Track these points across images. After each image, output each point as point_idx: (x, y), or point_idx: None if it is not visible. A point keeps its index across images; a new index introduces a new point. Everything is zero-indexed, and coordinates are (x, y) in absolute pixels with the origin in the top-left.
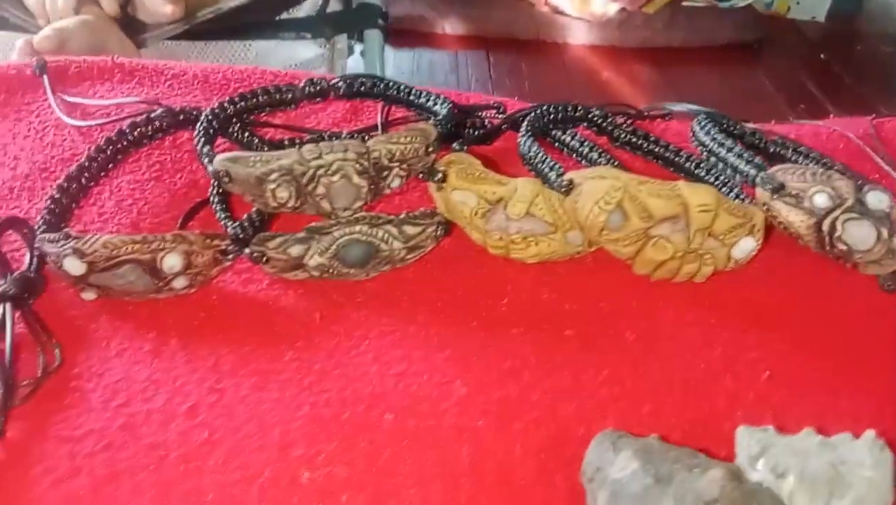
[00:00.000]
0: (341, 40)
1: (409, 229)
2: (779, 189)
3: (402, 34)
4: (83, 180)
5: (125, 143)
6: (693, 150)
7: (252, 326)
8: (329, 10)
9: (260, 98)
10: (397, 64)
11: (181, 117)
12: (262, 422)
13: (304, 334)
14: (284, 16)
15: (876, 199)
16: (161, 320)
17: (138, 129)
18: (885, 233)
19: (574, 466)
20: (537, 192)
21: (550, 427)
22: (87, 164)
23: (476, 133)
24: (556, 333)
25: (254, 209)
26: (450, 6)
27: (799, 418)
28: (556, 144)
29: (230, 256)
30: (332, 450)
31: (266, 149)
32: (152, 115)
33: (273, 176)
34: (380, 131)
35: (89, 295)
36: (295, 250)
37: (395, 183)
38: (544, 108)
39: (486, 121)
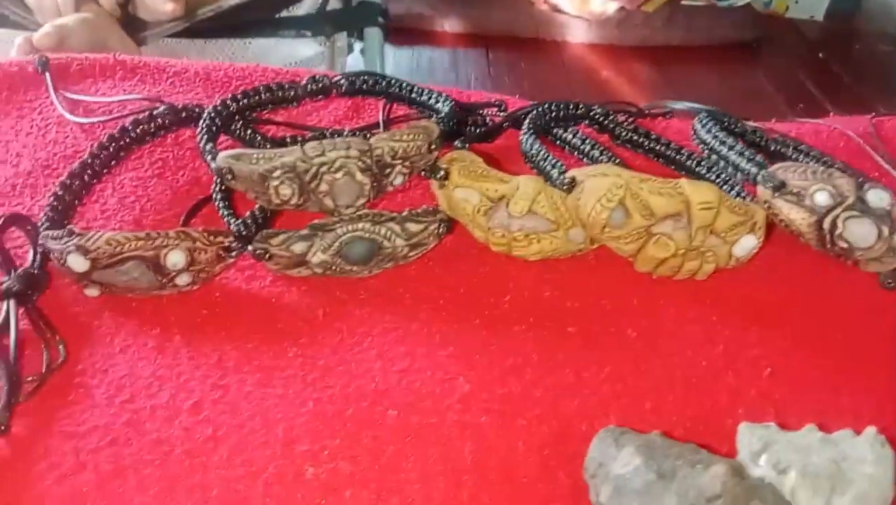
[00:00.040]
0: (341, 38)
1: (412, 227)
2: (780, 187)
3: (402, 32)
4: (86, 177)
5: (128, 140)
6: (694, 149)
7: (255, 323)
8: (329, 7)
9: (262, 95)
10: (397, 62)
11: (183, 115)
12: (266, 418)
13: (308, 331)
14: (284, 14)
15: (877, 197)
16: (164, 317)
17: (141, 127)
18: (885, 231)
19: (576, 463)
20: (539, 190)
21: (553, 424)
22: (89, 161)
23: (477, 131)
24: (559, 330)
25: (257, 206)
26: (449, 4)
27: (800, 415)
28: (558, 142)
29: (233, 253)
30: (335, 446)
31: (268, 146)
32: (155, 112)
33: (276, 173)
34: (382, 129)
35: (93, 292)
36: (298, 247)
37: (398, 180)
38: (546, 105)
39: (488, 119)
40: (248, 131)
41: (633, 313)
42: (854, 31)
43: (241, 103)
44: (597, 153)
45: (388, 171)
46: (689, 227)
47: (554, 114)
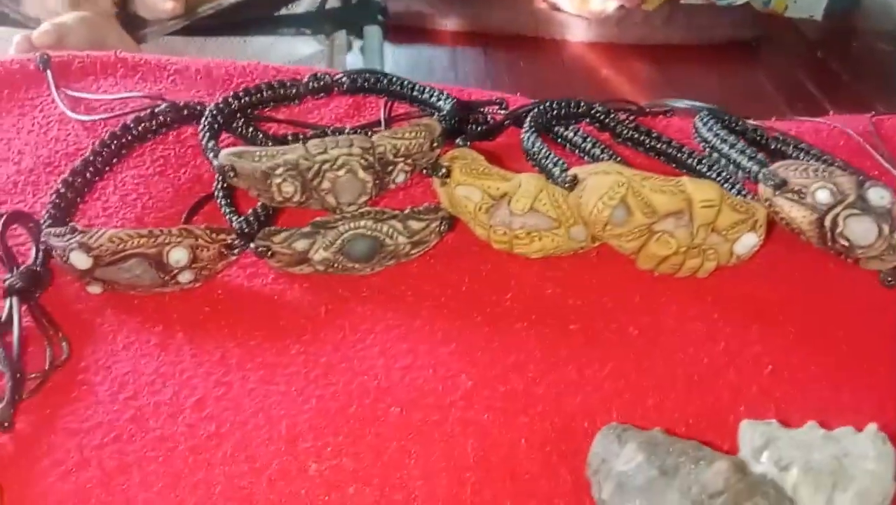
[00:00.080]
0: (340, 36)
1: (414, 224)
2: (781, 185)
3: (401, 30)
4: (88, 175)
5: (129, 137)
6: (695, 147)
7: (258, 320)
8: (328, 6)
9: (264, 93)
10: (396, 60)
11: (185, 112)
12: (269, 415)
13: (310, 328)
14: (284, 12)
15: (877, 195)
16: (167, 314)
17: (142, 124)
18: (886, 229)
19: (579, 459)
20: (541, 188)
21: (555, 420)
22: (91, 158)
23: (479, 129)
24: (561, 327)
25: (259, 204)
26: (449, 3)
27: (801, 412)
28: (559, 140)
29: (236, 251)
30: (339, 442)
31: (270, 144)
32: (156, 109)
33: (279, 171)
34: (383, 127)
35: (95, 289)
36: (300, 245)
37: (400, 178)
38: (547, 104)
39: (489, 117)
40: (250, 129)
41: (634, 311)
42: (853, 29)
43: (242, 101)
44: (598, 151)
45: (390, 168)
46: (690, 224)
47: (555, 112)
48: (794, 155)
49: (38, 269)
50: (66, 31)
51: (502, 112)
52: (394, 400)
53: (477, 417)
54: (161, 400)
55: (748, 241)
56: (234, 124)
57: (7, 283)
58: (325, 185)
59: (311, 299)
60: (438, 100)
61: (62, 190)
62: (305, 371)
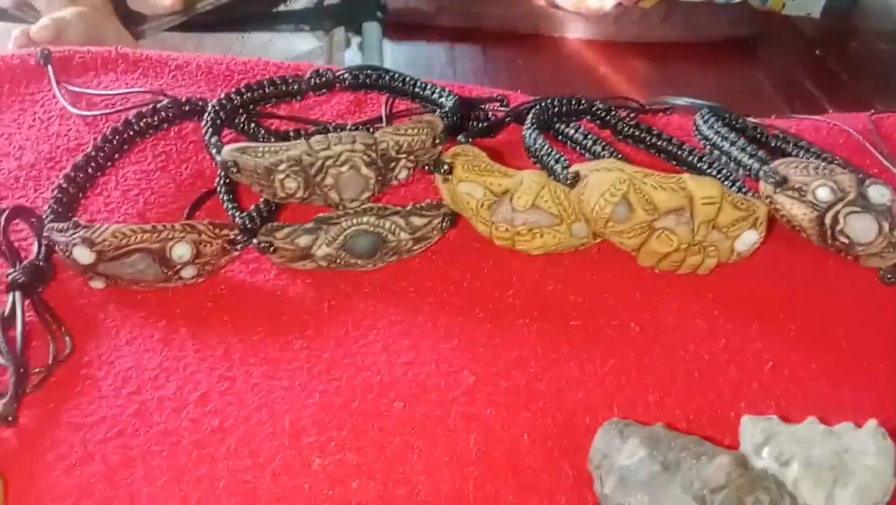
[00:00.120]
0: (339, 33)
1: (416, 220)
2: (782, 182)
3: (399, 27)
4: (89, 170)
5: (131, 133)
6: (695, 144)
7: (261, 316)
8: (327, 2)
9: (266, 89)
10: (394, 57)
11: (186, 108)
12: (272, 410)
13: (313, 324)
14: (283, 8)
15: (877, 192)
16: (170, 309)
17: (144, 120)
18: (886, 226)
19: (581, 454)
20: (543, 185)
21: (557, 416)
22: (93, 153)
23: (480, 126)
24: (562, 323)
25: (261, 200)
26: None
27: (801, 408)
28: (560, 137)
29: (238, 246)
30: (342, 437)
31: (272, 140)
32: (158, 105)
33: (282, 166)
34: (384, 123)
35: (98, 284)
36: (303, 241)
37: (403, 174)
38: (548, 101)
39: (490, 113)
40: (252, 125)
41: (635, 307)
42: (851, 28)
43: (245, 97)
44: (599, 148)
45: (392, 164)
46: (691, 222)
47: (556, 109)
48: (795, 153)
49: (40, 263)
50: (64, 27)
51: (503, 109)
52: (397, 395)
53: (479, 412)
54: (164, 395)
55: (749, 239)
56: (237, 120)
57: (10, 277)
58: (328, 181)
59: (314, 295)
60: (440, 96)
61: (64, 185)
62: (308, 366)
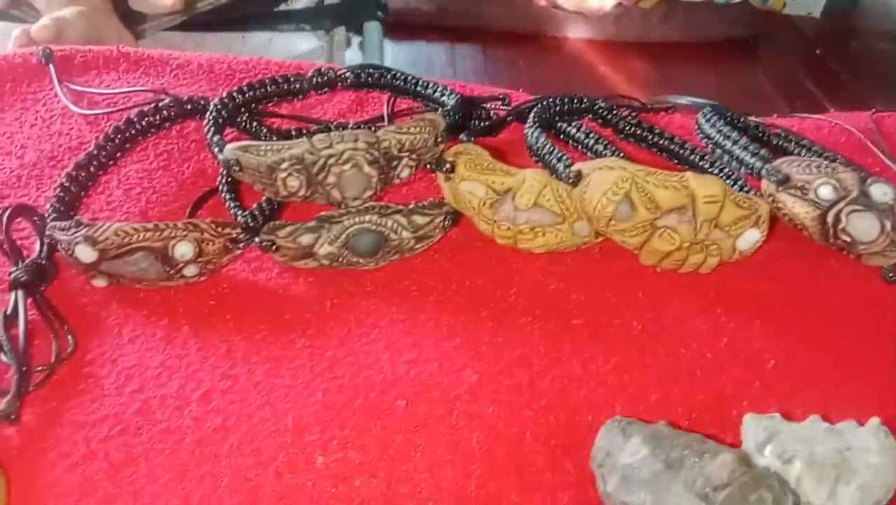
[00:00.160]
0: (339, 32)
1: (418, 219)
2: (784, 181)
3: (400, 27)
4: (91, 169)
5: (133, 131)
6: (697, 143)
7: (263, 314)
8: (328, 2)
9: (268, 88)
10: (394, 57)
11: (188, 107)
12: (275, 408)
13: (315, 322)
14: (283, 7)
15: (880, 191)
16: (172, 308)
17: (146, 119)
18: (888, 225)
19: (583, 452)
20: (545, 183)
21: (560, 414)
22: (95, 152)
23: (482, 124)
24: (565, 322)
25: (263, 198)
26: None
27: (804, 406)
28: (562, 136)
29: (241, 245)
30: (345, 435)
31: (274, 138)
32: (160, 104)
33: (284, 165)
34: (386, 122)
35: (100, 282)
36: (305, 239)
37: (405, 173)
38: (550, 100)
39: (492, 112)
40: (254, 124)
41: (637, 306)
42: (851, 28)
43: (247, 96)
44: (600, 147)
45: (395, 163)
46: (693, 220)
47: (558, 108)
48: (797, 151)
49: (43, 262)
50: (64, 26)
51: (505, 108)
52: (399, 393)
53: (482, 410)
54: (167, 393)
55: (751, 237)
56: (239, 119)
57: (12, 276)
58: (331, 179)
59: (316, 294)
60: (442, 95)
61: (66, 184)
62: (311, 364)
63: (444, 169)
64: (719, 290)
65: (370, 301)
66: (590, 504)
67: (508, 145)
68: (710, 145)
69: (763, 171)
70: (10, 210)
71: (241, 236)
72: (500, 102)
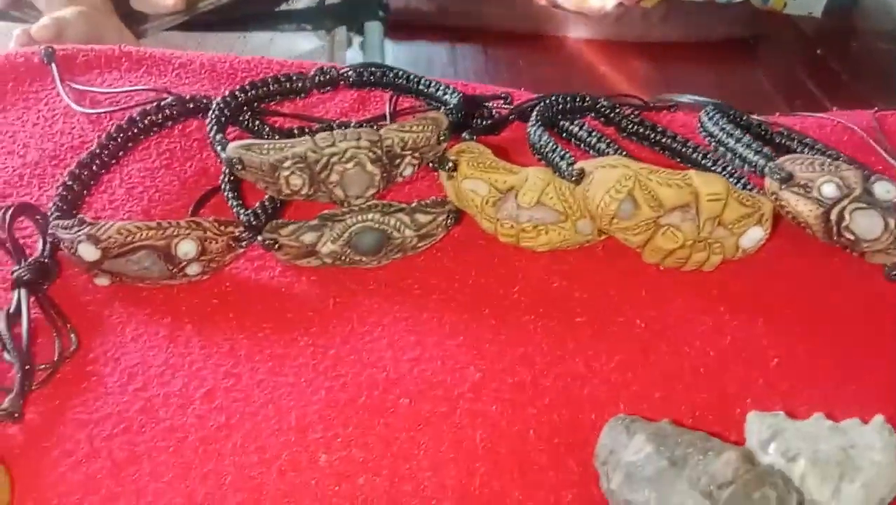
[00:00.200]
0: (340, 32)
1: (421, 217)
2: (787, 179)
3: (401, 27)
4: (94, 168)
5: (135, 130)
6: (700, 141)
7: (266, 313)
8: (329, 1)
9: (271, 87)
10: (395, 56)
11: (190, 106)
12: (278, 406)
13: (318, 321)
14: (284, 7)
15: (883, 189)
16: (175, 306)
17: (148, 117)
18: (891, 223)
19: (587, 450)
20: (548, 181)
21: (563, 412)
22: (97, 151)
23: (484, 123)
24: (567, 320)
25: (266, 196)
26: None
27: (807, 404)
28: (564, 135)
29: (243, 243)
30: (348, 433)
31: (277, 137)
32: (162, 103)
33: (287, 163)
34: (388, 121)
35: (103, 281)
36: (308, 238)
37: (408, 171)
38: (552, 98)
39: (494, 111)
40: (257, 122)
41: (641, 304)
42: (852, 28)
43: (249, 94)
44: (603, 146)
45: (397, 161)
46: (696, 218)
47: (560, 106)
48: (799, 150)
49: (45, 261)
50: (64, 26)
51: (507, 106)
52: (402, 392)
53: (485, 408)
54: (170, 391)
55: (754, 235)
56: (241, 118)
57: (15, 275)
58: (334, 177)
59: (319, 292)
60: (444, 94)
61: (69, 182)
62: (314, 363)
63: (447, 167)
64: (722, 288)
65: (373, 299)
66: (593, 502)
67: (511, 144)
68: (713, 143)
69: (766, 169)
70: (12, 209)
71: (243, 235)
72: (502, 101)
